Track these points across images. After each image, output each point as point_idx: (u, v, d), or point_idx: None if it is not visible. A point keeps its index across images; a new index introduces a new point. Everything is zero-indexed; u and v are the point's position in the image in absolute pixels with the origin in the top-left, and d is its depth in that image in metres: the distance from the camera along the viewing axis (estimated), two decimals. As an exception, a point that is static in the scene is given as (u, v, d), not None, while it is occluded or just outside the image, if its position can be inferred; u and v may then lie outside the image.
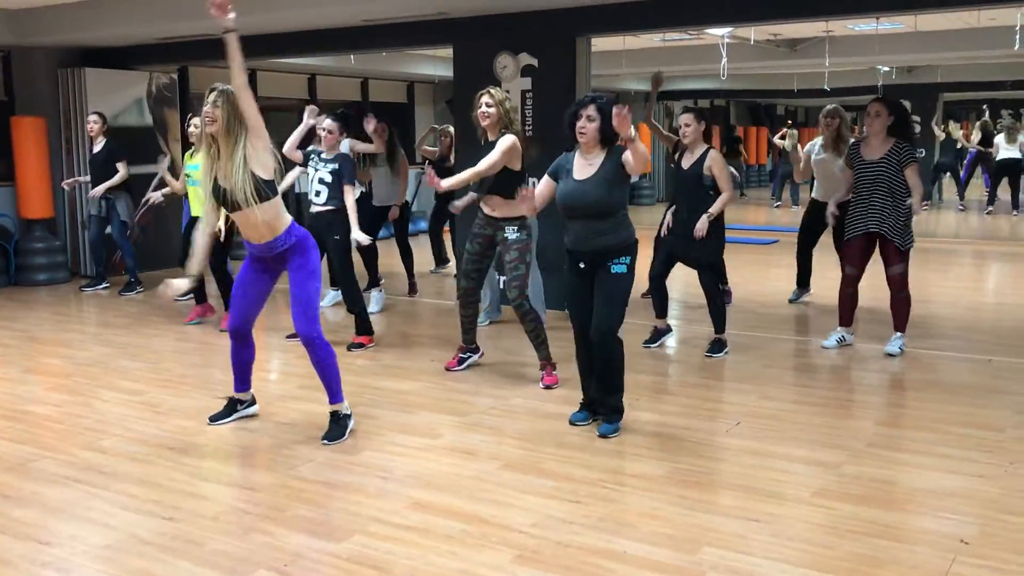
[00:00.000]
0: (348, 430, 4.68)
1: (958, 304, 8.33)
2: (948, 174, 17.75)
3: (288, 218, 4.53)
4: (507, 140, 5.51)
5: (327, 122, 6.59)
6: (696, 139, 6.25)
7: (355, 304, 6.67)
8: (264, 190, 4.34)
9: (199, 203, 7.29)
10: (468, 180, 5.56)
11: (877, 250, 6.23)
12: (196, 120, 7.49)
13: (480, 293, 5.99)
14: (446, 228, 9.93)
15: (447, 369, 5.99)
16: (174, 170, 8.63)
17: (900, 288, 6.20)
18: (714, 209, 6.12)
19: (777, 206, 18.34)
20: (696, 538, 3.49)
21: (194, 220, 7.34)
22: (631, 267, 4.61)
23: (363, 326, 6.71)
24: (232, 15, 4.13)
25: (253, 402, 5.05)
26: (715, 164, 6.17)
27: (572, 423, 4.84)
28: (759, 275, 10.07)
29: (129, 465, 4.34)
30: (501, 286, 7.35)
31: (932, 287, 8.91)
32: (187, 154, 7.70)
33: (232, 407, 4.98)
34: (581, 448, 4.54)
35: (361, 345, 6.64)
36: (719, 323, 6.38)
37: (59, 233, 10.12)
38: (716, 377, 5.96)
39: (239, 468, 4.47)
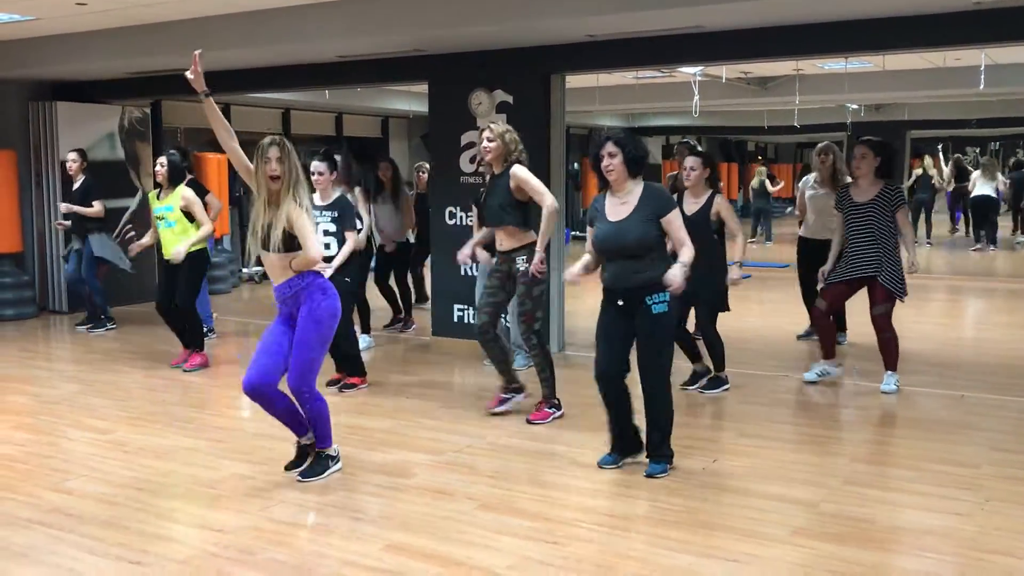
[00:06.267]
0: (329, 472, 4.58)
1: (931, 339, 8.38)
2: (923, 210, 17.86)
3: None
4: (524, 169, 5.47)
5: (314, 164, 6.24)
6: (698, 183, 6.18)
7: (349, 345, 6.48)
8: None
9: (170, 246, 7.14)
10: (549, 227, 5.44)
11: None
12: (163, 159, 7.41)
13: (498, 330, 5.72)
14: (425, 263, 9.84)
15: (488, 410, 5.78)
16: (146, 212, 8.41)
17: (884, 328, 6.18)
18: (739, 256, 6.16)
19: (752, 242, 18.39)
20: (675, 580, 3.45)
21: (167, 263, 7.21)
22: (671, 303, 4.51)
23: (356, 367, 6.53)
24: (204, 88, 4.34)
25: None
26: (723, 209, 6.15)
27: (600, 466, 4.71)
28: (735, 310, 10.05)
29: (96, 507, 4.24)
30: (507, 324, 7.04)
31: (905, 323, 8.94)
32: (152, 194, 7.48)
33: (303, 453, 4.73)
34: (558, 487, 4.49)
35: (353, 386, 6.50)
36: (718, 362, 6.36)
37: (28, 268, 9.97)
38: (694, 414, 5.93)
39: (209, 509, 4.36)
